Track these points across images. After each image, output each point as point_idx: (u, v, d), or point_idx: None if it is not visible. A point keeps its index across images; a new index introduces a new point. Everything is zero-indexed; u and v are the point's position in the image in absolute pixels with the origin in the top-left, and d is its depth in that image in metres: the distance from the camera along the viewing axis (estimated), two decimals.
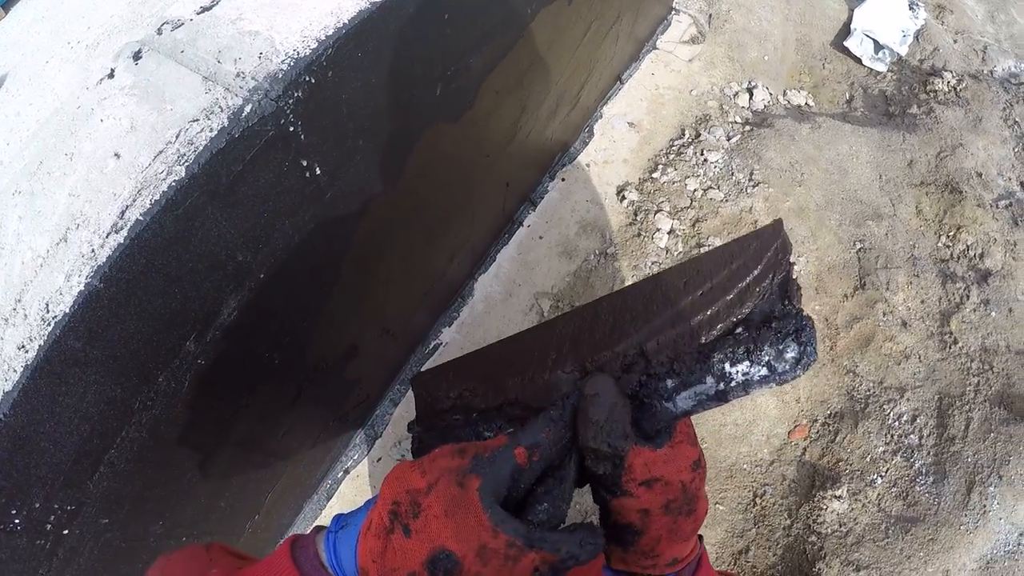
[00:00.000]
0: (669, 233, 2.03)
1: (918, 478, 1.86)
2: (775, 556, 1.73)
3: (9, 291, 0.66)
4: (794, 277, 0.57)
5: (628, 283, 1.90)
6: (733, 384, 0.52)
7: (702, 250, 2.00)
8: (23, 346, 0.62)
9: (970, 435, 1.94)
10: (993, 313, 2.19)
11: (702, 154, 2.27)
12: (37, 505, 0.71)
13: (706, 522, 1.72)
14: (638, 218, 2.06)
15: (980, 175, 2.57)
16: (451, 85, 1.14)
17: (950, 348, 2.09)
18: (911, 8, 3.31)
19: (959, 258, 2.33)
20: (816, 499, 1.78)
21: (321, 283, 1.04)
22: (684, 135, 2.36)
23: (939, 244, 2.34)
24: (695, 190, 2.16)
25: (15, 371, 0.62)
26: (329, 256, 1.02)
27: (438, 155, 1.22)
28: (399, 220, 1.20)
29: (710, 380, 0.52)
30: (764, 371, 0.51)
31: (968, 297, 2.19)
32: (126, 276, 0.66)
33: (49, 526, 0.74)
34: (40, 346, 0.62)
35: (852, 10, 3.25)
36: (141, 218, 0.64)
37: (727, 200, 2.15)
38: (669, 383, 0.53)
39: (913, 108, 2.83)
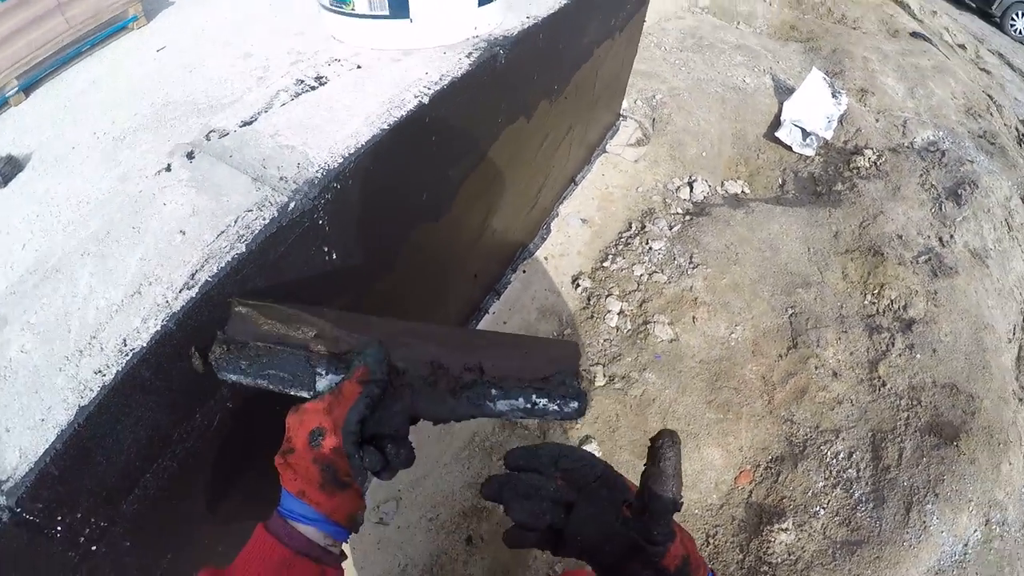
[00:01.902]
0: (619, 314, 2.57)
1: (859, 506, 2.28)
2: None
3: (84, 330, 0.86)
4: (580, 369, 0.88)
5: (581, 360, 2.41)
6: (536, 408, 0.80)
7: (648, 327, 2.53)
8: (100, 371, 0.82)
9: (904, 462, 2.38)
10: (918, 355, 2.69)
11: (647, 243, 2.86)
12: (79, 515, 0.85)
13: None
14: (591, 302, 2.61)
15: (900, 237, 3.15)
16: (435, 192, 1.52)
17: (879, 390, 2.57)
18: (834, 96, 4.05)
19: (884, 312, 2.86)
20: (765, 533, 2.20)
21: None
22: (631, 227, 2.97)
23: (865, 302, 2.88)
24: (641, 275, 2.73)
25: (91, 390, 0.80)
26: None
27: (421, 250, 1.64)
28: (390, 303, 1.61)
29: (521, 400, 0.80)
30: (555, 408, 0.80)
31: (894, 344, 2.70)
32: (193, 323, 0.88)
33: (82, 539, 0.86)
34: (117, 372, 0.82)
35: (781, 103, 3.98)
36: (210, 279, 0.89)
37: (670, 282, 2.71)
38: (494, 391, 0.79)
39: (838, 185, 3.47)
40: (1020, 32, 9.52)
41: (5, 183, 1.25)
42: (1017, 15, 9.56)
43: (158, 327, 0.85)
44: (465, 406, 0.78)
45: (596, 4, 2.19)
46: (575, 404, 0.80)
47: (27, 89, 1.53)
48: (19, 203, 1.18)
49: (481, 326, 2.39)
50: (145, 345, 0.84)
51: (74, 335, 0.86)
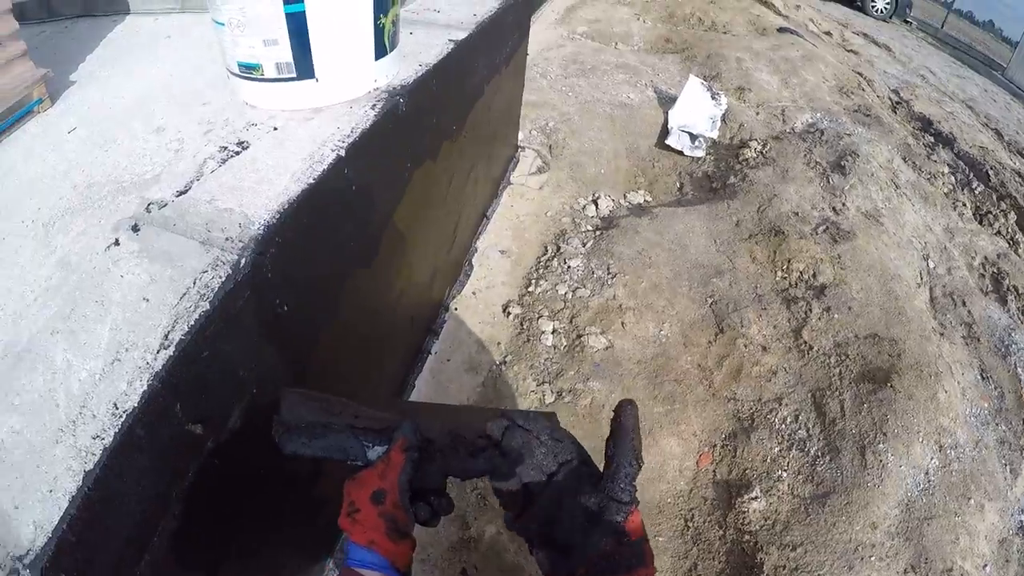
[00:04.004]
0: (553, 333, 2.89)
1: (817, 461, 2.63)
2: (720, 563, 2.40)
3: (72, 401, 0.96)
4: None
5: (527, 382, 2.70)
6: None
7: (582, 340, 2.86)
8: (98, 436, 0.92)
9: (847, 413, 2.76)
10: (836, 315, 3.13)
11: (565, 262, 3.22)
12: None
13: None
14: (524, 327, 2.92)
15: (797, 213, 3.65)
16: (362, 237, 1.69)
17: (808, 354, 2.98)
18: (714, 98, 4.62)
19: (796, 284, 3.31)
20: (737, 506, 2.50)
21: None
22: (547, 251, 3.33)
23: (777, 278, 3.33)
24: (565, 293, 3.07)
25: (94, 454, 0.90)
26: (293, 377, 1.45)
27: (359, 297, 1.76)
28: (341, 351, 1.79)
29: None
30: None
31: (811, 310, 3.14)
32: (174, 380, 1.00)
33: None
34: (115, 433, 0.92)
35: (667, 112, 4.52)
36: (183, 338, 1.01)
37: (593, 295, 3.06)
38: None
39: (731, 178, 3.98)
40: (880, 11, 10.92)
41: None
42: None
43: (144, 387, 0.97)
44: (483, 464, 1.02)
45: (480, 45, 2.51)
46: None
47: None
48: None
49: (426, 365, 2.65)
50: (136, 405, 0.95)
51: (63, 408, 0.96)
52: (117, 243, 1.19)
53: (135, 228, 1.21)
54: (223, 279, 1.12)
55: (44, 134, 1.70)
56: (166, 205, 1.27)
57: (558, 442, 0.89)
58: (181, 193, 1.31)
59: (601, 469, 0.87)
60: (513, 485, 0.89)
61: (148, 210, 1.26)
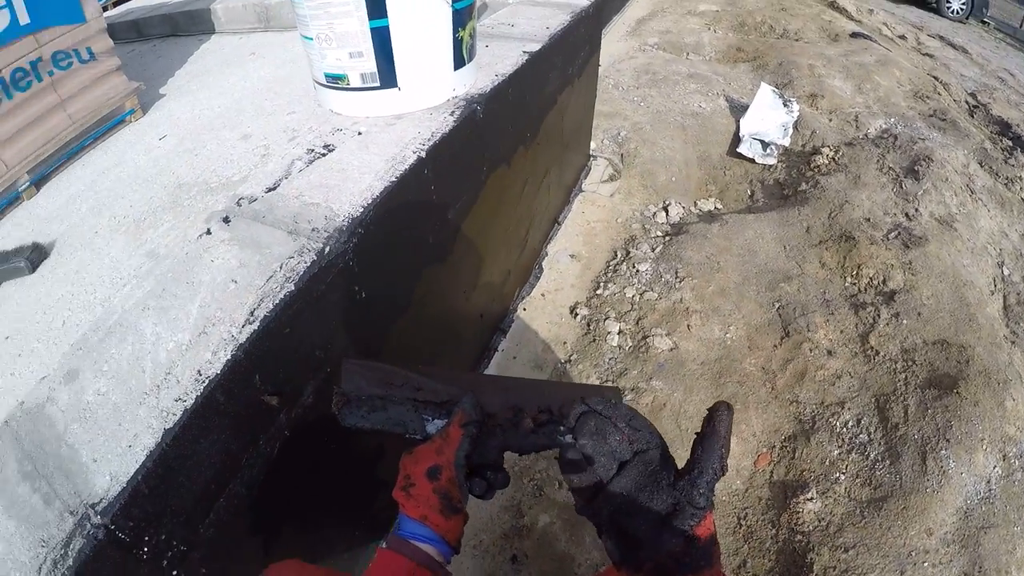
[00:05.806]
0: (619, 333, 2.99)
1: (876, 465, 2.64)
2: (770, 561, 2.45)
3: (158, 369, 1.01)
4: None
5: (591, 380, 2.82)
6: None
7: (647, 340, 2.95)
8: (180, 399, 0.97)
9: (911, 418, 2.75)
10: (905, 321, 3.11)
11: (634, 267, 3.32)
12: (163, 537, 0.96)
13: None
14: (591, 327, 3.04)
15: (868, 219, 3.63)
16: (438, 236, 1.78)
17: (874, 359, 2.98)
18: (786, 105, 4.62)
19: (866, 289, 3.30)
20: (792, 506, 2.55)
21: None
22: (617, 256, 3.44)
23: (846, 284, 3.33)
24: (633, 296, 3.17)
25: (174, 415, 0.95)
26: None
27: (432, 291, 1.84)
28: (411, 341, 1.80)
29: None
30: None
31: (879, 316, 3.13)
32: (257, 352, 1.06)
33: (165, 562, 0.97)
34: (196, 396, 0.97)
35: (738, 121, 4.54)
36: (268, 314, 1.08)
37: (661, 298, 3.15)
38: (562, 427, 0.97)
39: (802, 185, 3.98)
40: (956, 12, 10.48)
41: (33, 269, 1.48)
42: None
43: (228, 356, 1.03)
44: (543, 439, 1.00)
45: (553, 56, 2.64)
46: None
47: (38, 183, 1.75)
48: (51, 286, 1.38)
49: (493, 362, 2.81)
50: (219, 372, 1.02)
51: (149, 374, 1.01)
52: (209, 232, 1.29)
53: (226, 219, 1.32)
54: (308, 264, 1.21)
55: (136, 141, 1.91)
56: (256, 200, 1.39)
57: (636, 431, 0.88)
58: (270, 190, 1.43)
59: (679, 464, 0.86)
60: (582, 467, 0.88)
61: (239, 204, 1.37)
